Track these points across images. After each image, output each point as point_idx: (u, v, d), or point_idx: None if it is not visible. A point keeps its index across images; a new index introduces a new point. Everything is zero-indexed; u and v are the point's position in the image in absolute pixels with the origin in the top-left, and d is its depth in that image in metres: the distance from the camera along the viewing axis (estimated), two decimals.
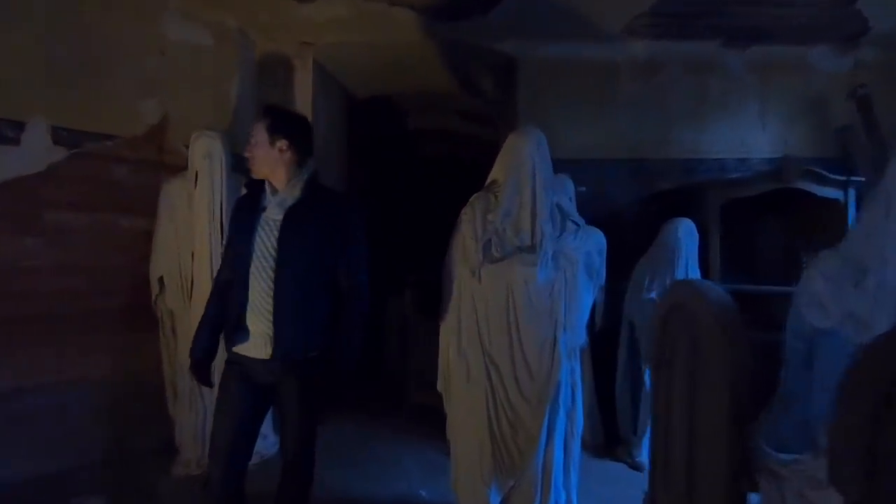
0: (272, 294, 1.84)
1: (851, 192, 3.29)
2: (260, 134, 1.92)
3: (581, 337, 2.20)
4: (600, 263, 2.28)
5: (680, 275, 3.17)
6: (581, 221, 2.38)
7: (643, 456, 3.18)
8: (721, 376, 1.51)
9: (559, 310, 2.14)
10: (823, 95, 3.98)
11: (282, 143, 1.91)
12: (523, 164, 2.21)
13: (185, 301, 2.95)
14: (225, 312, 1.94)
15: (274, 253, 1.86)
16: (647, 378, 3.16)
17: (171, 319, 3.05)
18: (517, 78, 3.95)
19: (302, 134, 1.97)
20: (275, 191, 1.94)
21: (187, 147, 3.06)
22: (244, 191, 2.24)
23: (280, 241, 1.86)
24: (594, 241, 2.28)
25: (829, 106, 3.97)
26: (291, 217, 1.88)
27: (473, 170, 6.95)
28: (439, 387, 2.34)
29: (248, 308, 1.87)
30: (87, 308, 3.00)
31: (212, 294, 2.03)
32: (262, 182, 1.97)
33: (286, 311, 1.84)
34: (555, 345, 2.14)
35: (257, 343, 1.87)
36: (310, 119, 3.92)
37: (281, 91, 3.87)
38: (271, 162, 1.91)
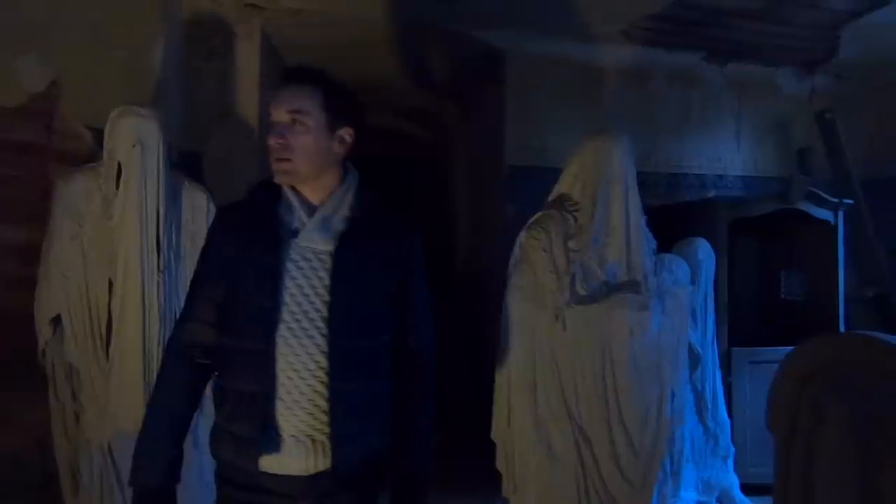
0: (326, 372, 1.17)
1: (840, 215, 3.29)
2: (313, 112, 1.22)
3: (687, 398, 1.79)
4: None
5: (700, 300, 2.93)
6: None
7: None
8: None
9: (667, 366, 1.70)
10: (788, 117, 4.06)
11: (346, 132, 1.28)
12: (615, 177, 1.75)
13: (97, 352, 2.03)
14: (196, 399, 1.25)
15: (326, 305, 1.18)
16: None
17: (69, 378, 2.10)
18: (505, 74, 3.49)
19: (362, 119, 1.33)
20: (307, 205, 1.26)
21: (93, 129, 2.16)
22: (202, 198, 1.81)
23: (335, 285, 1.19)
24: (684, 275, 1.88)
25: (793, 127, 4.06)
26: (348, 248, 1.22)
27: (415, 171, 6.42)
28: (499, 465, 1.78)
29: (278, 397, 1.17)
30: None
31: (167, 367, 1.25)
32: (277, 189, 1.27)
33: (350, 400, 1.18)
34: (660, 411, 1.69)
35: (296, 452, 1.17)
36: (256, 107, 3.00)
37: (218, 65, 2.99)
38: (323, 160, 1.25)
